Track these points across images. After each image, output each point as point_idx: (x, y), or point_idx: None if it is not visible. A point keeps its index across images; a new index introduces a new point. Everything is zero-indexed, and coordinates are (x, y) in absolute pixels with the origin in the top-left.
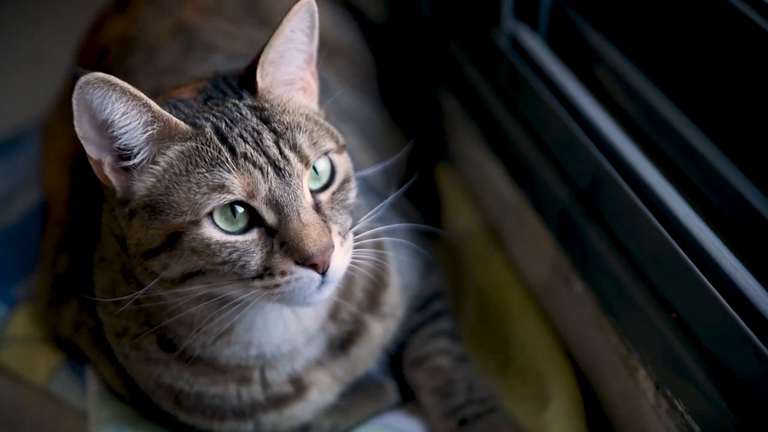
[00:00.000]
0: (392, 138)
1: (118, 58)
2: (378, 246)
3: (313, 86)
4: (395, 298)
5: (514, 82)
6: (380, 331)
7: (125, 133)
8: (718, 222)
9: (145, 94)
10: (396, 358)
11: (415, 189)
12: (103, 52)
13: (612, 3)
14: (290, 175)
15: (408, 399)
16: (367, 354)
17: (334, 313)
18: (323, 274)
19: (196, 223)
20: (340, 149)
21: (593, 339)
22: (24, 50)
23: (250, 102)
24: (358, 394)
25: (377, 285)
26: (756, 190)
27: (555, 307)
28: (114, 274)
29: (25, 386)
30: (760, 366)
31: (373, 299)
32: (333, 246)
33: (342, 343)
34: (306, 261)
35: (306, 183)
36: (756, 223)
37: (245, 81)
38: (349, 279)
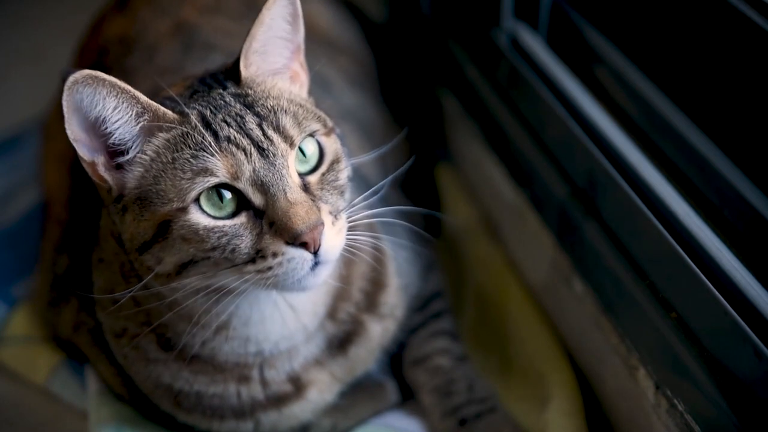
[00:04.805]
0: (392, 137)
1: (118, 57)
2: (372, 229)
3: (303, 76)
4: (394, 299)
5: (514, 82)
6: (379, 331)
7: (118, 127)
8: (718, 222)
9: (144, 94)
10: (396, 358)
11: (415, 188)
12: (102, 52)
13: (612, 3)
14: (274, 155)
15: (408, 398)
16: (366, 354)
17: (332, 313)
18: (315, 253)
19: (184, 209)
20: (329, 132)
21: (593, 338)
22: (24, 50)
23: (233, 90)
24: (357, 393)
25: (376, 285)
26: (756, 190)
27: (555, 306)
28: (112, 275)
29: (25, 386)
30: (760, 366)
31: (371, 300)
32: (323, 223)
33: (341, 342)
34: (296, 239)
35: (292, 163)
36: (756, 223)
37: (231, 73)
38: (347, 279)
